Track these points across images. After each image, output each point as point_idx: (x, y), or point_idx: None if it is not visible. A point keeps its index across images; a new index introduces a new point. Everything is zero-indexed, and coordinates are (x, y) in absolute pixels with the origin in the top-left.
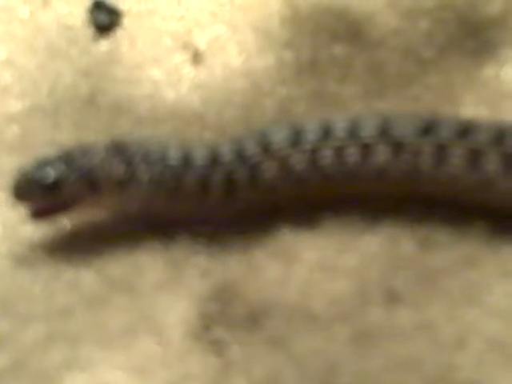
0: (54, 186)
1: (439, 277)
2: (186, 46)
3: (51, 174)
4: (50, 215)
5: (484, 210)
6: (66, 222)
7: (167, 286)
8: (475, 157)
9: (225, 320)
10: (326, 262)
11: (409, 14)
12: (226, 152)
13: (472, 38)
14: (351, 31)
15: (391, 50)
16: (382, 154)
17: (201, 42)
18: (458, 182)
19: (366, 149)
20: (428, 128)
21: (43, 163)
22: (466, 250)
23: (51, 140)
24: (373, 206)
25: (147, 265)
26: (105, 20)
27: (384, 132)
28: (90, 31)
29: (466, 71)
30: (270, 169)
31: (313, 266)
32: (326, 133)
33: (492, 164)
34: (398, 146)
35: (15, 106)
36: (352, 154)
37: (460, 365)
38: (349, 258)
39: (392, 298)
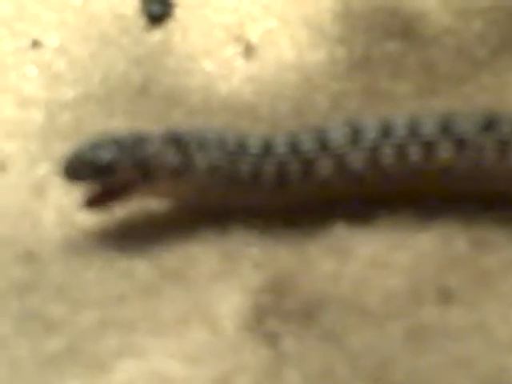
0: (107, 169)
1: (493, 277)
2: (238, 38)
3: (105, 156)
4: (103, 203)
5: None
6: (120, 211)
7: (221, 278)
8: None
9: (278, 313)
10: (379, 258)
11: (462, 14)
12: (281, 144)
13: None
14: (404, 28)
15: (444, 48)
16: (445, 152)
17: (253, 34)
18: None
19: (429, 146)
20: (489, 124)
21: (97, 145)
22: None
23: (103, 128)
24: (427, 204)
25: (201, 256)
26: (157, 10)
27: (446, 129)
28: (142, 21)
29: None
30: (325, 166)
31: (366, 261)
32: (386, 131)
33: None
34: (460, 143)
35: (68, 93)
36: (414, 153)
37: None
38: (402, 255)
39: (445, 296)
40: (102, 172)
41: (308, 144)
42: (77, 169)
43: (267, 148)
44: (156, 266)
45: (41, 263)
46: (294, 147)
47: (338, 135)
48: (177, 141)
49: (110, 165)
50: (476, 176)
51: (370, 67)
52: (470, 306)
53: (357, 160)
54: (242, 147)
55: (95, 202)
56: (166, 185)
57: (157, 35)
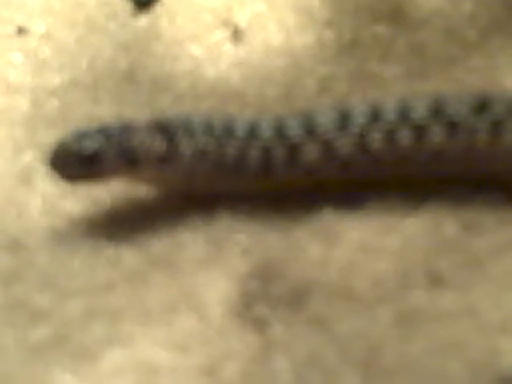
0: (92, 159)
1: (483, 260)
2: (226, 22)
3: (90, 146)
4: (83, 180)
5: None
6: (106, 198)
7: (208, 264)
8: None
9: (266, 298)
10: (368, 242)
11: None
12: (267, 128)
13: None
14: (393, 11)
15: (434, 31)
16: (436, 135)
17: (241, 19)
18: None
19: (420, 130)
20: (481, 105)
21: (83, 135)
22: (511, 234)
23: (90, 114)
24: (416, 188)
25: (188, 242)
26: None
27: (437, 112)
28: (129, 6)
29: (509, 53)
30: (311, 151)
31: (355, 246)
32: (375, 115)
33: None
34: (453, 126)
35: (54, 79)
36: (404, 137)
37: (504, 350)
38: (392, 239)
39: (435, 280)
40: (87, 162)
41: (293, 129)
42: (62, 159)
43: (253, 132)
44: (143, 253)
45: (27, 252)
46: (280, 132)
47: (325, 121)
48: (162, 128)
49: (95, 155)
50: (469, 159)
51: (359, 50)
52: (460, 289)
53: (344, 145)
54: (228, 131)
55: (74, 178)
56: (152, 172)
57: (144, 20)
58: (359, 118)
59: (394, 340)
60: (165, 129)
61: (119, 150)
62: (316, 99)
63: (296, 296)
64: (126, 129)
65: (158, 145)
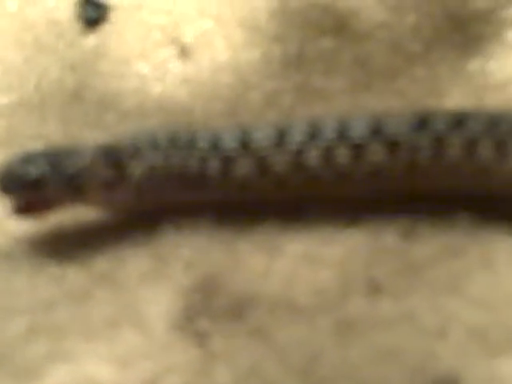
0: (36, 184)
1: (422, 267)
2: (173, 40)
3: (34, 171)
4: (33, 212)
5: (466, 200)
6: (50, 216)
7: (151, 279)
8: (471, 145)
9: (208, 312)
10: (309, 253)
11: (396, 8)
12: (204, 139)
13: (458, 32)
14: (338, 25)
15: (378, 43)
16: (376, 154)
17: (188, 36)
18: (456, 173)
19: (358, 149)
20: (422, 122)
21: (28, 159)
22: (449, 241)
23: (38, 134)
24: (356, 199)
25: (131, 258)
26: (93, 14)
27: (376, 131)
28: (77, 25)
29: (452, 65)
30: (245, 166)
31: (296, 257)
32: (314, 133)
33: (487, 151)
34: (393, 144)
35: (2, 100)
36: (342, 155)
37: (441, 354)
38: (332, 250)
39: (374, 288)
40: (30, 186)
41: (230, 142)
42: (6, 182)
43: (192, 143)
44: (86, 269)
45: None
46: (216, 144)
47: (261, 136)
48: (109, 152)
49: (38, 180)
50: (410, 177)
51: (305, 64)
52: (398, 296)
53: (280, 162)
54: (172, 143)
55: (25, 210)
56: (99, 196)
57: (92, 39)
58: (297, 135)
59: (334, 348)
60: (111, 152)
61: (63, 176)
62: (261, 114)
63: (237, 308)
64: (72, 153)
65: (104, 170)
